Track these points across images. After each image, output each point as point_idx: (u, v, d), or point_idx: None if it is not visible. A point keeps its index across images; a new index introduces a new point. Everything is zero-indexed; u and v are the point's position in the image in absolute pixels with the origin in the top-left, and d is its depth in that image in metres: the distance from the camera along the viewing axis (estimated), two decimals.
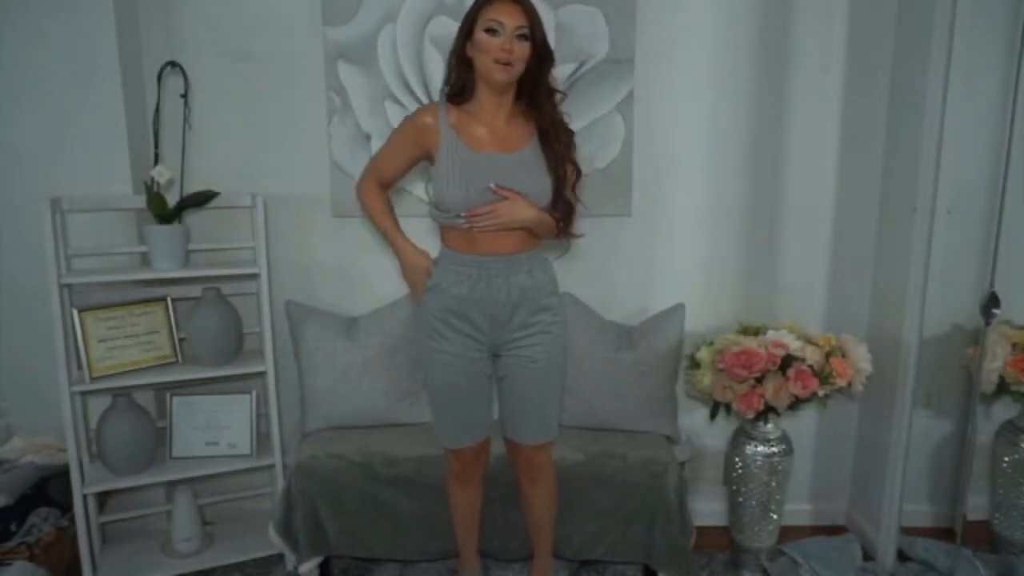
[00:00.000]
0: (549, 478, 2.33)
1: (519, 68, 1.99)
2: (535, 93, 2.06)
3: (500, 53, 1.94)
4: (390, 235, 2.22)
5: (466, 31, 2.00)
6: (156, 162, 2.53)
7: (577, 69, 2.68)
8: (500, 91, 2.03)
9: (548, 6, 2.62)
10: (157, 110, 2.57)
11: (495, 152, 2.03)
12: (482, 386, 2.20)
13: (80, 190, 2.53)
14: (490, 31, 1.94)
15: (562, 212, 2.09)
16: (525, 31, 1.96)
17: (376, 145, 2.72)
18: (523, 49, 1.97)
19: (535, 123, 2.08)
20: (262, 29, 2.68)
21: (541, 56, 2.02)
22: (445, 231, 2.15)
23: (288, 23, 2.68)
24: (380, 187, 2.24)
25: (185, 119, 2.62)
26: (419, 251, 2.20)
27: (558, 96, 2.11)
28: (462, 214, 2.03)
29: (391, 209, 2.26)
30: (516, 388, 2.18)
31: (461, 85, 2.05)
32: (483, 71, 1.99)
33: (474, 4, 2.00)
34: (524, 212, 2.04)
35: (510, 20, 1.95)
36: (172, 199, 2.53)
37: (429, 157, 2.09)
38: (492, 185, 2.02)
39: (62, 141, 2.57)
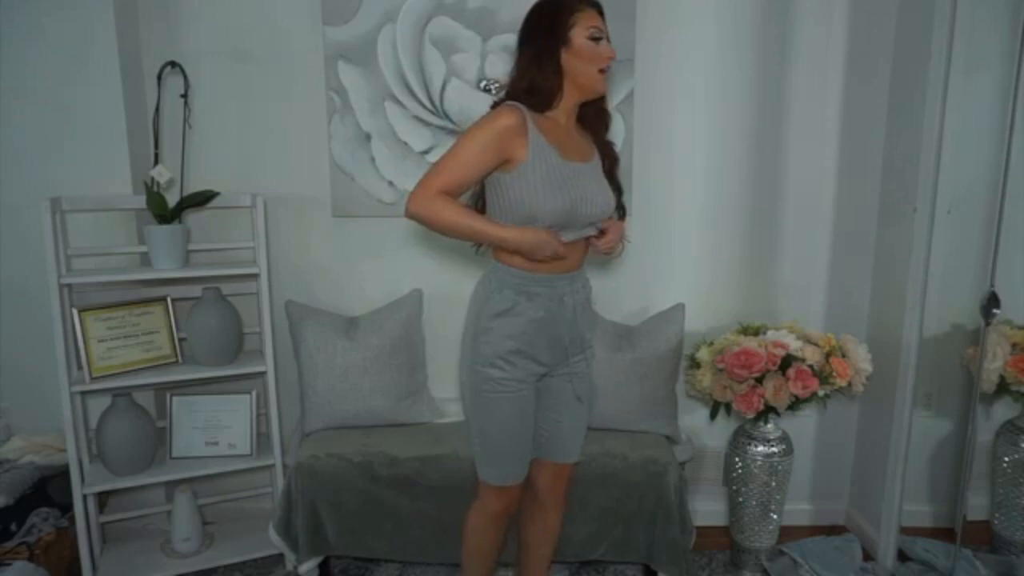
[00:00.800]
0: (565, 505, 2.25)
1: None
2: (600, 101, 1.99)
3: (607, 61, 1.86)
4: (490, 233, 1.86)
5: (556, 36, 1.85)
6: (156, 162, 2.53)
7: None
8: (588, 99, 1.94)
9: None
10: (157, 110, 2.57)
11: (579, 162, 1.91)
12: (533, 414, 2.05)
13: (80, 190, 2.53)
14: (594, 39, 1.85)
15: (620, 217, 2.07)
16: (608, 34, 1.90)
17: (376, 146, 2.72)
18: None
19: (595, 132, 2.02)
20: (262, 29, 2.68)
21: None
22: (504, 250, 1.92)
23: (288, 23, 2.68)
24: (449, 195, 1.87)
25: (185, 119, 2.62)
26: (523, 228, 1.87)
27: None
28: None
29: (469, 208, 1.94)
30: (568, 404, 2.06)
31: (549, 93, 1.89)
32: (584, 79, 1.88)
33: (560, 8, 1.86)
34: (622, 227, 2.02)
35: (606, 28, 1.89)
36: (172, 199, 2.52)
37: (502, 165, 1.85)
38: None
39: (62, 141, 2.56)
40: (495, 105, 1.92)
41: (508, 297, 1.92)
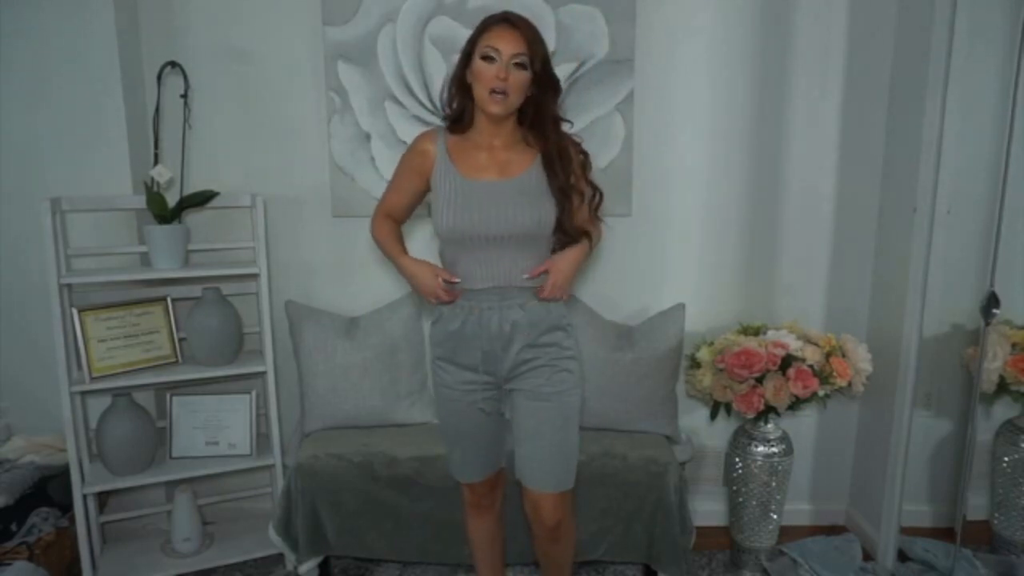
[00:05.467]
0: (567, 535, 2.13)
1: (515, 99, 1.89)
2: (538, 122, 1.96)
3: (495, 82, 1.84)
4: (394, 258, 2.10)
5: (466, 56, 1.90)
6: (156, 162, 2.53)
7: (577, 69, 2.68)
8: (497, 120, 1.93)
9: (548, 6, 2.62)
10: (157, 110, 2.57)
11: (492, 179, 1.93)
12: (486, 422, 2.08)
13: (80, 190, 2.52)
14: (486, 58, 1.84)
15: (576, 234, 2.01)
16: (523, 59, 1.85)
17: (376, 145, 2.73)
18: (520, 78, 1.86)
19: (539, 149, 1.97)
20: (262, 29, 2.68)
21: (543, 85, 1.92)
22: (444, 263, 2.04)
23: (288, 23, 2.67)
24: (390, 219, 2.13)
25: (185, 119, 2.61)
26: (418, 261, 2.06)
27: (565, 125, 2.01)
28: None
29: (399, 236, 2.13)
30: (522, 423, 2.00)
31: (460, 111, 1.97)
32: (479, 100, 1.90)
33: (476, 29, 1.91)
34: (570, 265, 1.99)
35: (507, 47, 1.84)
36: (172, 199, 2.52)
37: (428, 185, 2.02)
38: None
39: (62, 141, 2.56)
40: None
41: (438, 308, 2.04)
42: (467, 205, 1.90)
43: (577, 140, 2.03)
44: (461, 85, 1.94)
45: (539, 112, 1.95)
